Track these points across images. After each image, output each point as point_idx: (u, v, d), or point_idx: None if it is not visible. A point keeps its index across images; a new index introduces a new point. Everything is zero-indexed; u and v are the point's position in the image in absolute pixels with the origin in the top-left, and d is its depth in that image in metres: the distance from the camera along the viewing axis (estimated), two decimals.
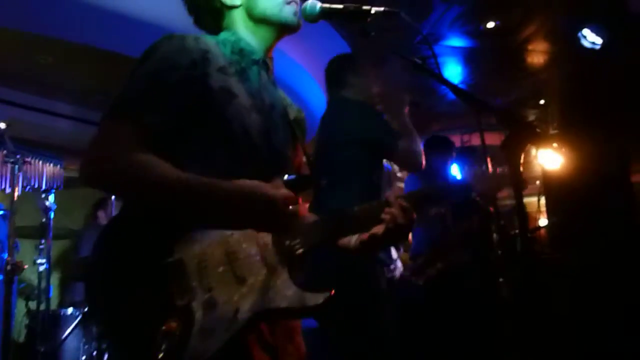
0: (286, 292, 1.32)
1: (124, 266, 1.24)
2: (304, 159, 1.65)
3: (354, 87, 2.68)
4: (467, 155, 4.87)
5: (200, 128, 1.34)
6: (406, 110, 2.65)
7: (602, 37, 4.03)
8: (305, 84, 5.39)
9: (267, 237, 1.37)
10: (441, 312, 3.84)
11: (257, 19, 1.51)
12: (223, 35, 1.52)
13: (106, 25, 3.77)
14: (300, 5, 1.49)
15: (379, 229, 1.49)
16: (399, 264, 2.55)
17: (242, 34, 1.51)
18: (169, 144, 1.31)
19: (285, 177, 1.39)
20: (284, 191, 1.32)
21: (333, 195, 2.40)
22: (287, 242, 1.38)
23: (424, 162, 2.59)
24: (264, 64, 1.53)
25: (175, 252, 1.25)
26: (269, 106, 1.49)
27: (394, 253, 2.59)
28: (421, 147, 2.58)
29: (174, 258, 1.24)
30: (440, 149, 4.22)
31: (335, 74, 2.74)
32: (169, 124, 1.30)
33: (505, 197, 4.53)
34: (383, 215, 1.47)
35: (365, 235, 1.53)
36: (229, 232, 1.33)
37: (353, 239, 1.57)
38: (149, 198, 1.27)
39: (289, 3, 1.50)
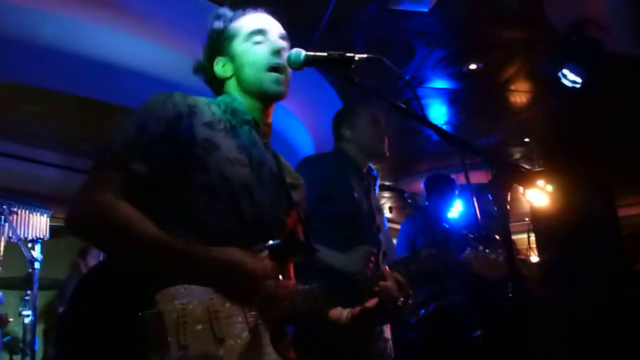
0: (266, 357, 1.29)
1: (98, 315, 1.22)
2: (299, 224, 1.64)
3: (348, 141, 2.65)
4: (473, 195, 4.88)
5: (183, 177, 1.37)
6: (385, 143, 2.61)
7: (580, 76, 4.12)
8: (291, 128, 5.44)
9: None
10: (433, 350, 3.79)
11: (244, 89, 1.57)
12: (220, 97, 1.59)
13: (92, 75, 3.81)
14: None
15: (370, 303, 1.47)
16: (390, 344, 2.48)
17: (237, 97, 1.57)
18: (152, 192, 1.34)
19: (271, 242, 1.39)
20: (266, 264, 1.33)
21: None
22: (272, 309, 1.34)
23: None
24: (256, 124, 1.56)
25: (155, 304, 1.21)
26: (258, 163, 1.51)
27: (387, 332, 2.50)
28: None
29: (153, 310, 1.21)
30: (441, 188, 4.20)
31: (334, 130, 2.74)
32: (154, 172, 1.33)
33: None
34: (376, 289, 1.42)
35: (356, 310, 1.51)
36: (213, 290, 1.29)
37: (344, 313, 1.53)
38: (127, 254, 1.29)
39: (270, 69, 1.53)
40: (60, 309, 4.94)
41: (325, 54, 1.46)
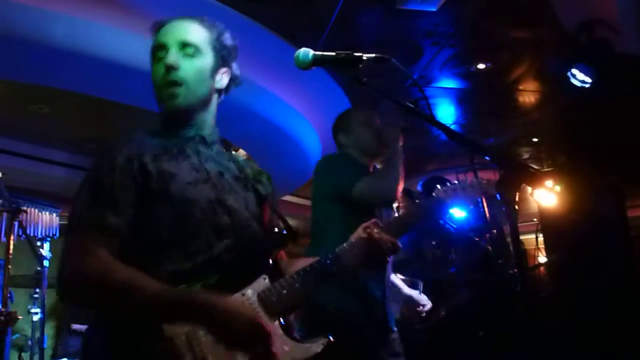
0: (283, 347, 1.35)
1: (117, 349, 1.28)
2: (275, 214, 1.68)
3: (346, 146, 2.69)
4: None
5: (152, 213, 1.39)
6: (401, 144, 2.58)
7: (590, 76, 4.09)
8: (300, 129, 5.44)
9: (252, 298, 1.39)
10: (444, 352, 3.79)
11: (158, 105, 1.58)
12: (158, 125, 1.59)
13: (101, 74, 3.82)
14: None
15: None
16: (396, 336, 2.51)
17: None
18: (130, 235, 1.36)
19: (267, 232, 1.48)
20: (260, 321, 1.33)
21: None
22: (273, 300, 1.40)
23: (391, 194, 2.42)
24: (201, 138, 1.57)
25: (163, 331, 1.25)
26: (216, 174, 1.53)
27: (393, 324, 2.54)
28: (391, 183, 2.41)
29: (164, 335, 1.25)
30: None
31: (333, 138, 2.78)
32: (126, 220, 1.36)
33: (505, 235, 4.52)
34: (362, 231, 1.59)
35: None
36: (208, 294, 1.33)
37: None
38: (127, 312, 1.29)
39: (166, 84, 1.51)
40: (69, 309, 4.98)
41: (334, 53, 1.46)
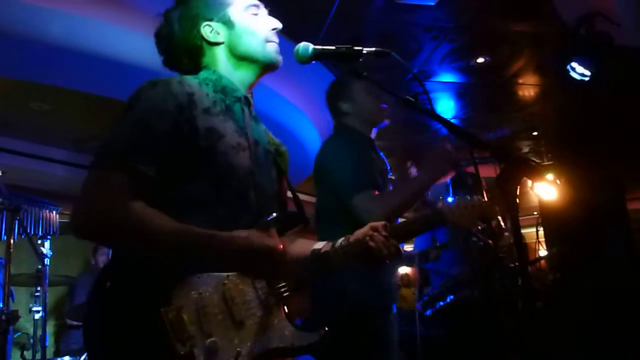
0: (283, 331, 1.36)
1: (122, 316, 1.23)
2: (289, 193, 1.66)
3: (348, 114, 2.57)
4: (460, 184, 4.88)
5: (190, 172, 1.35)
6: (429, 181, 2.38)
7: (589, 70, 4.09)
8: (299, 124, 5.43)
9: (262, 280, 1.40)
10: (447, 344, 3.80)
11: (240, 57, 1.54)
12: (203, 74, 1.54)
13: (100, 71, 3.82)
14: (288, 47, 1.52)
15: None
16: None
17: (222, 72, 1.54)
18: (160, 189, 1.32)
19: (274, 214, 1.42)
20: (277, 240, 1.37)
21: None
22: (279, 284, 1.41)
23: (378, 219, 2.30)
24: (246, 100, 1.56)
25: (173, 298, 1.23)
26: (254, 143, 1.52)
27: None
28: (387, 205, 2.24)
29: (173, 305, 1.22)
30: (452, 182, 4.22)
31: (330, 106, 2.66)
32: (162, 172, 1.30)
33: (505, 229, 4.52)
34: (367, 239, 1.53)
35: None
36: (225, 275, 1.33)
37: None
38: (147, 251, 1.28)
39: (268, 42, 1.54)
40: (74, 305, 4.98)
41: (334, 47, 1.46)
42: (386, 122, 2.62)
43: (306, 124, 5.54)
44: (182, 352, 1.19)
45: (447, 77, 5.26)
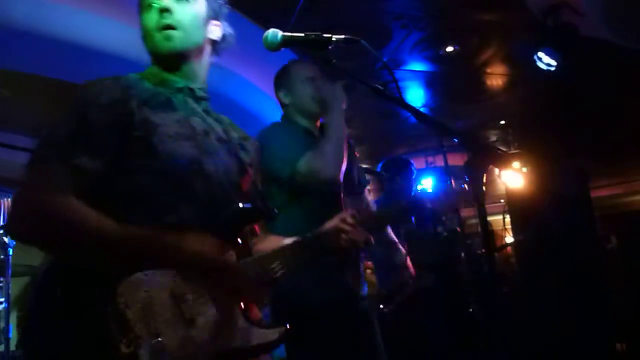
0: (240, 330, 1.31)
1: (65, 317, 1.18)
2: (255, 185, 1.62)
3: (286, 105, 2.48)
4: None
5: (129, 164, 1.32)
6: (343, 106, 2.28)
7: (555, 60, 4.16)
8: (267, 110, 5.39)
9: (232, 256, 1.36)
10: (411, 334, 3.84)
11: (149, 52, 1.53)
12: (148, 70, 1.53)
13: (62, 57, 3.72)
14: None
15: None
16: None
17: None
18: (100, 183, 1.28)
19: (240, 205, 1.41)
20: (228, 257, 1.32)
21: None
22: (237, 280, 1.36)
23: (333, 173, 2.14)
24: (190, 91, 1.52)
25: (118, 296, 1.18)
26: (202, 132, 1.48)
27: (365, 288, 2.51)
28: (330, 159, 2.13)
29: (116, 304, 1.17)
30: (399, 171, 4.25)
31: (275, 93, 2.55)
32: (99, 164, 1.28)
33: (471, 216, 4.59)
34: (343, 238, 1.54)
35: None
36: (174, 272, 1.27)
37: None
38: (85, 254, 1.23)
39: (159, 28, 1.48)
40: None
41: (303, 34, 1.45)
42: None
43: (277, 112, 5.50)
44: (125, 353, 1.14)
45: (417, 66, 5.28)
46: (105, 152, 1.29)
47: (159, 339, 1.19)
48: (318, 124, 2.46)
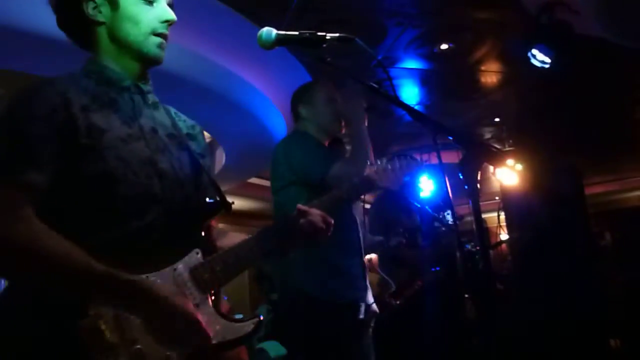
0: (214, 326, 1.30)
1: (38, 336, 1.15)
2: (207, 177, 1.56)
3: (305, 119, 2.64)
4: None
5: (81, 173, 1.26)
6: (365, 123, 2.55)
7: (550, 57, 4.17)
8: (263, 109, 5.39)
9: (184, 275, 1.33)
10: (411, 330, 3.85)
11: (120, 43, 1.42)
12: (88, 66, 1.44)
13: (34, 50, 3.66)
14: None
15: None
16: (374, 307, 2.52)
17: (106, 62, 1.43)
18: (54, 197, 1.23)
19: (203, 199, 1.41)
20: (190, 307, 1.27)
21: None
22: (205, 277, 1.34)
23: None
24: (137, 88, 1.45)
25: (90, 309, 1.16)
26: (150, 130, 1.42)
27: (370, 296, 2.55)
28: (363, 166, 2.37)
29: (89, 317, 1.15)
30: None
31: (292, 108, 2.72)
32: (48, 178, 1.22)
33: (466, 213, 4.60)
34: (301, 221, 1.53)
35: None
36: (144, 277, 1.26)
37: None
38: (55, 287, 1.19)
39: (156, 34, 1.42)
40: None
41: (297, 33, 1.45)
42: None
43: (271, 110, 5.50)
44: None
45: (412, 64, 5.28)
46: (50, 163, 1.22)
47: (137, 346, 1.18)
48: (327, 143, 2.67)
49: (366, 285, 2.53)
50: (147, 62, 1.45)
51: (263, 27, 1.48)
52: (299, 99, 2.69)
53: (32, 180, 1.19)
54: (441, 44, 4.91)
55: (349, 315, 2.39)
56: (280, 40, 1.46)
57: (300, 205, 1.55)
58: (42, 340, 1.15)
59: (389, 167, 2.12)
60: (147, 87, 1.49)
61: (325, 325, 2.32)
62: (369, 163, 2.40)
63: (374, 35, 4.54)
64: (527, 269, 4.38)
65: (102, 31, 1.42)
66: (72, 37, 1.46)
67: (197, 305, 1.30)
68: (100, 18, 1.41)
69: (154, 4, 1.43)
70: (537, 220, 4.33)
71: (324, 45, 1.44)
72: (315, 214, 1.55)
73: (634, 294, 5.32)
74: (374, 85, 1.42)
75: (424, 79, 5.77)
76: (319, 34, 1.43)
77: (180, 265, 1.33)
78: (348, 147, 2.76)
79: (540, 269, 4.21)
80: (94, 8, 1.40)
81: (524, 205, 4.46)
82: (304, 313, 2.34)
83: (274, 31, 1.46)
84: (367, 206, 4.50)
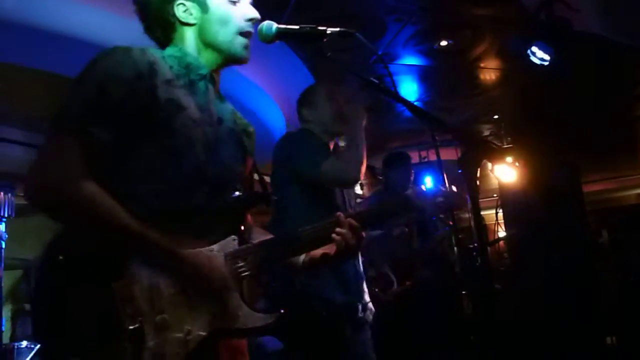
0: (237, 312, 1.35)
1: (73, 290, 1.21)
2: (255, 173, 1.65)
3: (309, 121, 2.66)
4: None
5: (147, 141, 1.32)
6: (363, 123, 2.53)
7: (549, 54, 4.17)
8: (262, 105, 5.39)
9: (219, 259, 1.37)
10: (408, 327, 3.86)
11: (207, 43, 1.49)
12: (169, 50, 1.49)
13: (55, 49, 3.69)
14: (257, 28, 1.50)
15: (330, 249, 1.55)
16: (371, 306, 2.53)
17: (188, 51, 1.49)
18: (114, 157, 1.29)
19: (237, 193, 1.43)
20: (223, 270, 1.34)
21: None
22: (238, 264, 1.39)
23: (356, 176, 2.42)
24: (211, 78, 1.51)
25: (126, 272, 1.22)
26: (217, 120, 1.49)
27: (366, 296, 2.57)
28: (356, 164, 2.39)
29: (124, 280, 1.21)
30: (398, 165, 4.27)
31: (297, 112, 2.74)
32: (117, 139, 1.27)
33: (463, 210, 4.60)
34: (334, 236, 1.51)
35: (317, 254, 1.58)
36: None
37: (301, 257, 1.61)
38: (91, 234, 1.25)
39: (242, 34, 1.49)
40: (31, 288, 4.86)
41: (297, 27, 1.45)
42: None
43: (270, 106, 5.50)
44: (131, 328, 1.19)
45: (411, 60, 5.28)
46: (122, 126, 1.27)
47: (163, 316, 1.23)
48: (332, 145, 2.67)
49: (362, 285, 2.54)
50: (232, 61, 1.52)
51: (263, 21, 1.48)
52: (301, 102, 2.72)
53: (98, 136, 1.24)
54: (440, 40, 4.91)
55: (346, 315, 2.40)
56: (280, 34, 1.46)
57: (339, 214, 1.55)
58: (78, 294, 1.20)
59: (434, 194, 1.88)
60: (218, 80, 1.56)
61: (325, 325, 2.33)
62: (362, 163, 2.39)
63: (373, 32, 4.54)
64: (524, 266, 4.39)
65: (190, 31, 1.49)
66: (155, 37, 1.52)
67: (226, 290, 1.35)
68: (191, 20, 1.47)
69: (237, 4, 1.50)
70: (535, 217, 4.34)
71: (325, 40, 1.44)
72: (348, 233, 1.52)
73: (630, 291, 5.33)
74: (375, 80, 1.41)
75: (423, 76, 5.77)
76: (320, 28, 1.43)
77: (215, 247, 1.37)
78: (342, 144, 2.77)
79: (537, 266, 4.22)
80: (185, 11, 1.46)
81: (522, 203, 4.47)
82: (303, 311, 2.35)
83: (275, 25, 1.46)
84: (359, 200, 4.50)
